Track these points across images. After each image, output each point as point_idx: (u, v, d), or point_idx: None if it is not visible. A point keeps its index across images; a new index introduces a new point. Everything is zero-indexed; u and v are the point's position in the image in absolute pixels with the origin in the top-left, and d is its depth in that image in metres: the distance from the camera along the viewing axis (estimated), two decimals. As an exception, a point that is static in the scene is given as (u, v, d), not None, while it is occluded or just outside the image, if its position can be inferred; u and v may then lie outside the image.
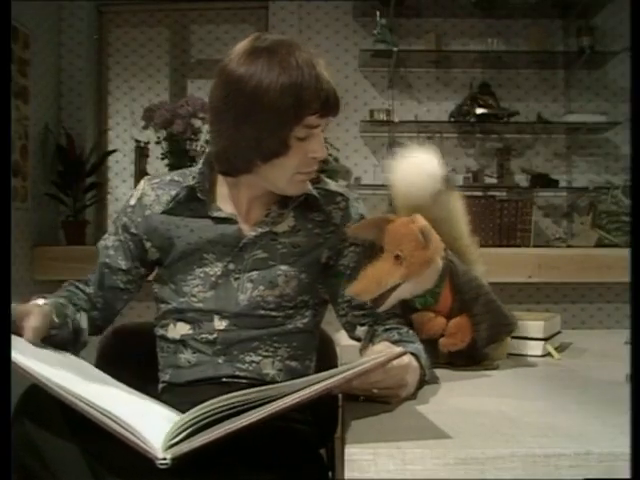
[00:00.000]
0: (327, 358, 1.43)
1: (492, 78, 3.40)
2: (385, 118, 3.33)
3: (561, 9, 3.38)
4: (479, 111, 3.25)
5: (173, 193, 1.26)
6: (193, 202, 1.25)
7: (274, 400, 0.79)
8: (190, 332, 1.22)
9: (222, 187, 1.27)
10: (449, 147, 3.45)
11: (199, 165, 1.27)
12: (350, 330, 1.29)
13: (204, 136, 2.92)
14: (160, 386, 1.26)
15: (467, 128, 3.38)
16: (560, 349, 1.42)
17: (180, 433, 0.79)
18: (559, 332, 1.48)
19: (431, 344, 1.18)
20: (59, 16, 3.37)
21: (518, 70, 3.43)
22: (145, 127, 2.96)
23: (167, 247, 1.25)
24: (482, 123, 3.30)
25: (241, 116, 1.12)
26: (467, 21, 3.44)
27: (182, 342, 1.23)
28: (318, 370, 1.28)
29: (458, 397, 1.01)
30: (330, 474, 1.31)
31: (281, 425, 1.07)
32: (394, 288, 1.12)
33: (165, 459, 0.77)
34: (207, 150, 1.28)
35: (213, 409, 0.80)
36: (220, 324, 1.21)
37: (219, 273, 1.22)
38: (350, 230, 1.24)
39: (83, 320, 1.22)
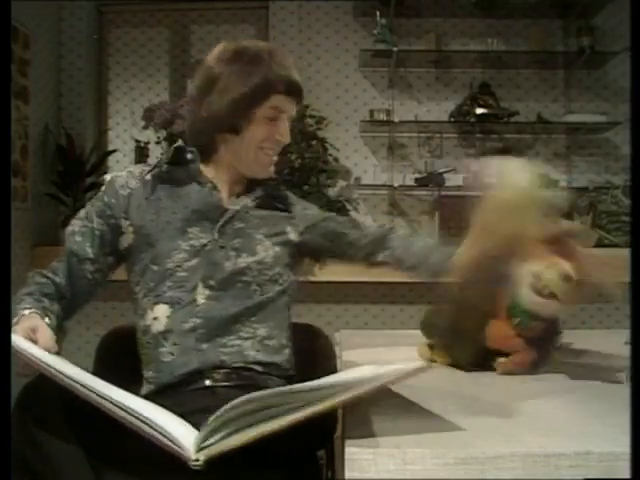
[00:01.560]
0: (327, 358, 1.42)
1: (492, 78, 3.40)
2: (385, 118, 3.33)
3: (561, 9, 3.38)
4: (479, 111, 3.25)
5: (145, 169, 1.31)
6: (177, 169, 1.29)
7: (302, 406, 0.78)
8: (170, 312, 1.20)
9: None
10: (449, 147, 3.45)
11: (176, 144, 1.31)
12: (370, 256, 1.35)
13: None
14: (145, 389, 1.23)
15: (467, 128, 3.38)
16: (560, 349, 1.42)
17: (214, 434, 0.79)
18: (559, 332, 1.48)
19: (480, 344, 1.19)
20: (59, 16, 3.37)
21: (518, 70, 3.43)
22: (145, 127, 2.96)
23: (147, 224, 1.25)
24: (482, 123, 3.30)
25: (211, 95, 1.25)
26: (467, 21, 3.44)
27: (162, 334, 1.20)
28: (315, 367, 1.29)
29: (458, 397, 1.01)
30: (330, 474, 1.31)
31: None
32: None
33: (198, 460, 0.77)
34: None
35: (245, 411, 0.78)
36: (203, 293, 1.21)
37: (205, 243, 1.24)
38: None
39: (59, 308, 1.23)
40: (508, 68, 3.41)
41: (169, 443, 0.80)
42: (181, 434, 0.81)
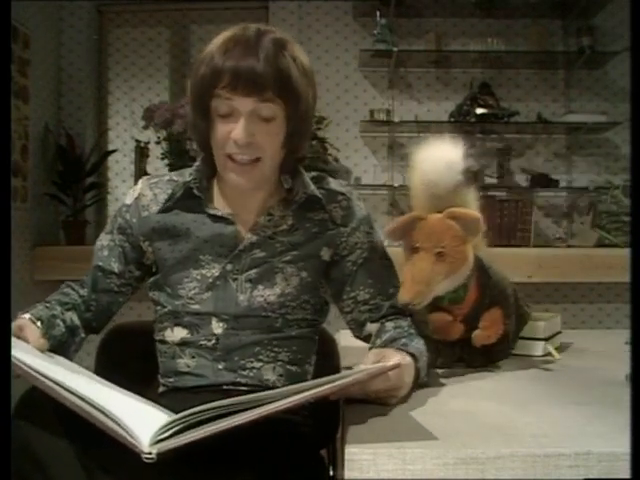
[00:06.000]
0: (329, 359, 1.42)
1: (492, 78, 3.40)
2: (385, 118, 3.33)
3: (561, 9, 3.38)
4: (479, 111, 3.25)
5: (170, 192, 1.24)
6: (190, 200, 1.23)
7: (263, 405, 0.79)
8: (188, 337, 1.19)
9: (220, 185, 1.25)
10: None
11: (197, 162, 1.25)
12: (356, 328, 1.26)
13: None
14: (160, 389, 1.24)
15: (467, 128, 3.38)
16: (560, 349, 1.42)
17: (168, 430, 0.79)
18: (559, 332, 1.48)
19: (445, 343, 1.19)
20: (59, 16, 3.37)
21: (518, 70, 3.43)
22: (145, 127, 2.96)
23: (164, 248, 1.23)
24: (482, 123, 3.30)
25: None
26: (467, 21, 3.45)
27: (180, 347, 1.20)
28: (318, 371, 1.28)
29: (458, 397, 1.01)
30: (332, 474, 1.31)
31: (282, 426, 1.06)
32: None
33: (151, 454, 0.77)
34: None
35: (204, 410, 0.80)
36: (218, 327, 1.18)
37: (217, 274, 1.19)
38: (385, 233, 1.20)
39: (74, 318, 1.21)
40: (508, 68, 3.41)
41: (125, 435, 0.79)
42: (140, 429, 0.80)
